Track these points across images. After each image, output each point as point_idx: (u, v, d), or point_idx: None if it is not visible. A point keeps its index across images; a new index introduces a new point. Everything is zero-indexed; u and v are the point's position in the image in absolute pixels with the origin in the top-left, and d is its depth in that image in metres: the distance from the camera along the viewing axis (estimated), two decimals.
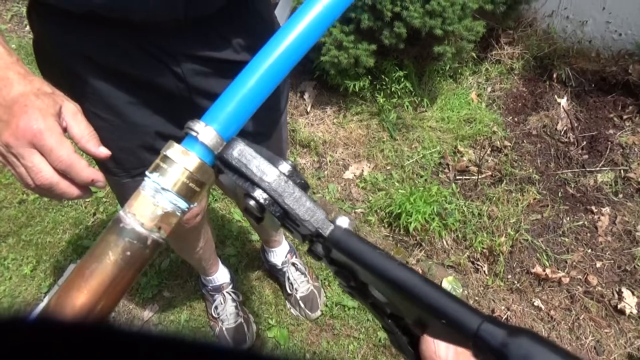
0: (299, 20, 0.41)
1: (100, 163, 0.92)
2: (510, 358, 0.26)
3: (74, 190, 0.54)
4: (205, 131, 0.39)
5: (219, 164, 0.39)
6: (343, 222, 0.36)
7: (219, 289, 1.58)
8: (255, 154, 0.37)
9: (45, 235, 1.87)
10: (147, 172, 0.39)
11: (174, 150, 0.39)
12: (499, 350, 0.27)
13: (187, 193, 0.39)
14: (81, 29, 0.71)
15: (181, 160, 0.38)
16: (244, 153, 0.37)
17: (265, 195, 0.36)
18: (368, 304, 0.39)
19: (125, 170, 0.91)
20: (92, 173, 0.54)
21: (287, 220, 0.37)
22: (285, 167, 0.37)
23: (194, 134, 0.39)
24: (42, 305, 1.65)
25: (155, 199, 0.38)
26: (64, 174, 0.53)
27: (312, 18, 0.41)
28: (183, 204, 0.39)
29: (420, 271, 1.70)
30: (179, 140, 0.44)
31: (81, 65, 0.75)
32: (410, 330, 0.37)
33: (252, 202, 0.36)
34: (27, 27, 2.83)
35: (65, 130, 0.55)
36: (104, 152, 0.58)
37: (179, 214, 0.39)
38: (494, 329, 0.28)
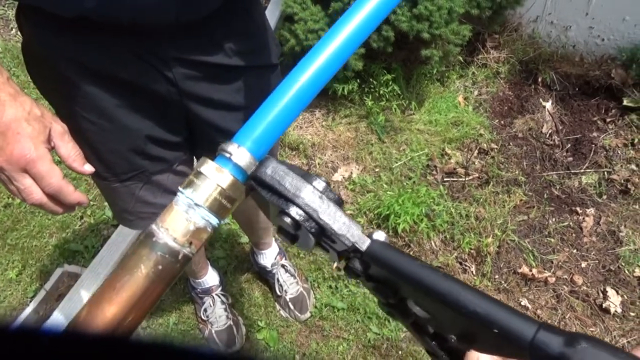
0: (331, 40, 0.41)
1: None
2: None
3: (60, 209, 0.64)
4: (239, 152, 0.39)
5: (253, 183, 0.39)
6: (380, 236, 0.36)
7: (208, 292, 1.57)
8: (288, 171, 0.37)
9: (32, 239, 1.84)
10: (180, 188, 0.39)
11: (208, 166, 0.39)
12: None
13: (219, 209, 0.39)
14: (71, 33, 0.70)
15: (214, 177, 0.39)
16: (277, 170, 0.37)
17: (300, 212, 0.36)
18: (409, 325, 0.38)
19: (115, 174, 0.91)
20: (78, 197, 0.63)
21: (323, 237, 0.37)
22: (319, 183, 0.37)
23: (227, 155, 0.39)
24: (28, 310, 1.63)
25: (188, 214, 0.38)
26: (52, 196, 0.61)
27: (344, 38, 0.41)
28: (214, 220, 0.39)
29: None
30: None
31: (71, 68, 0.74)
32: (455, 352, 0.36)
33: (287, 219, 0.36)
34: (13, 30, 2.80)
35: (52, 149, 0.62)
36: (88, 169, 0.66)
37: (209, 229, 0.40)
38: (551, 337, 0.26)
